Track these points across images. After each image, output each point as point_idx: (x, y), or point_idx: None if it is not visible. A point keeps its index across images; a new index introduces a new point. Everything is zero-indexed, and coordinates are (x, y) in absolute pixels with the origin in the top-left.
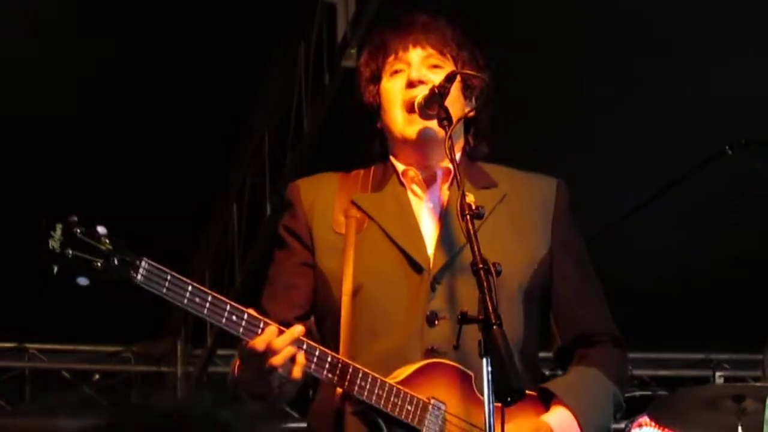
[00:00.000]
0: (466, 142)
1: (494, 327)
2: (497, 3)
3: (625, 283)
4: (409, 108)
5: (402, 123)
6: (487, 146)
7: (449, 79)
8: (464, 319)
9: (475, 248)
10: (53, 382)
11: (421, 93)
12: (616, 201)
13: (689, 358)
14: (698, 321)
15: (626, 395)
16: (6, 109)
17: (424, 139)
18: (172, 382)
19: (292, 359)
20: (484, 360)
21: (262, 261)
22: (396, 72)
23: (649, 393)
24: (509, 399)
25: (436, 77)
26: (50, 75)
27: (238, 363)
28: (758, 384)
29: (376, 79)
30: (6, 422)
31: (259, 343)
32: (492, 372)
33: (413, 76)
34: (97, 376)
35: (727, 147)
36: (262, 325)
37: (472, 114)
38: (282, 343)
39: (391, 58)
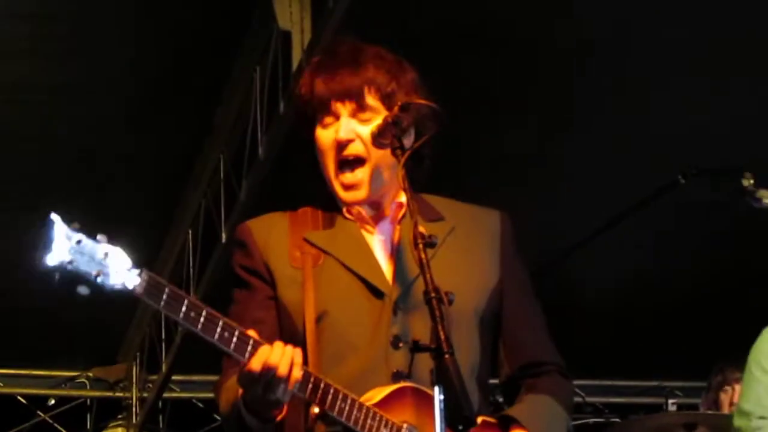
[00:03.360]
0: (409, 174)
1: (446, 355)
2: (444, 34)
3: (579, 311)
4: (341, 165)
5: (338, 187)
6: (427, 169)
7: (403, 108)
8: (416, 347)
9: (428, 277)
10: (8, 406)
11: (374, 124)
12: (568, 230)
13: (642, 386)
14: (651, 348)
15: (580, 422)
16: None
17: (370, 198)
18: (127, 408)
19: (291, 365)
20: (436, 388)
21: (217, 287)
22: (327, 124)
23: (602, 420)
24: (461, 427)
25: (366, 129)
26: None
27: (240, 392)
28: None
29: (311, 120)
30: None
31: (255, 363)
32: (444, 400)
33: (341, 137)
34: (52, 401)
35: (679, 176)
36: (252, 342)
37: (411, 144)
38: (277, 356)
39: (320, 107)
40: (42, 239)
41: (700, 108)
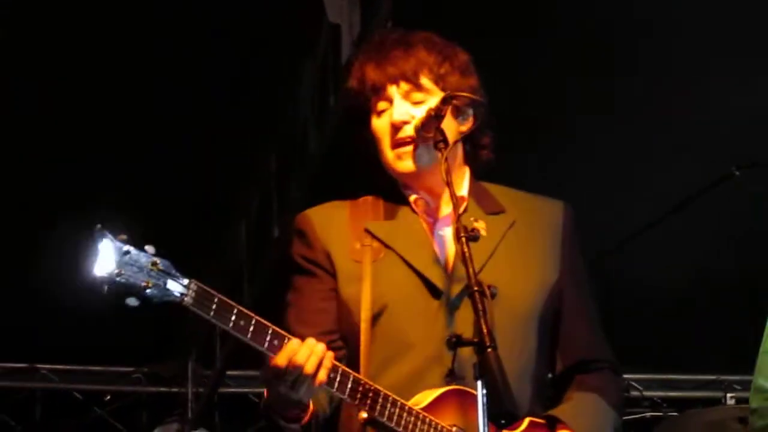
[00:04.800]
0: (470, 161)
1: (488, 350)
2: (494, 20)
3: (638, 304)
4: (396, 145)
5: (393, 161)
6: (488, 155)
7: (445, 101)
8: (459, 342)
9: (470, 271)
10: (64, 402)
11: (417, 117)
12: (623, 222)
13: (700, 379)
14: (710, 342)
15: (638, 416)
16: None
17: (419, 170)
18: (182, 403)
19: (319, 365)
20: (478, 383)
21: (271, 282)
22: (381, 111)
23: (660, 414)
24: (503, 422)
25: (420, 111)
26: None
27: (266, 390)
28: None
29: (365, 113)
30: None
31: (281, 359)
32: (487, 395)
33: (395, 119)
34: (108, 397)
35: (734, 168)
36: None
37: (468, 129)
38: (305, 354)
39: (374, 97)
40: (90, 251)
41: (757, 99)
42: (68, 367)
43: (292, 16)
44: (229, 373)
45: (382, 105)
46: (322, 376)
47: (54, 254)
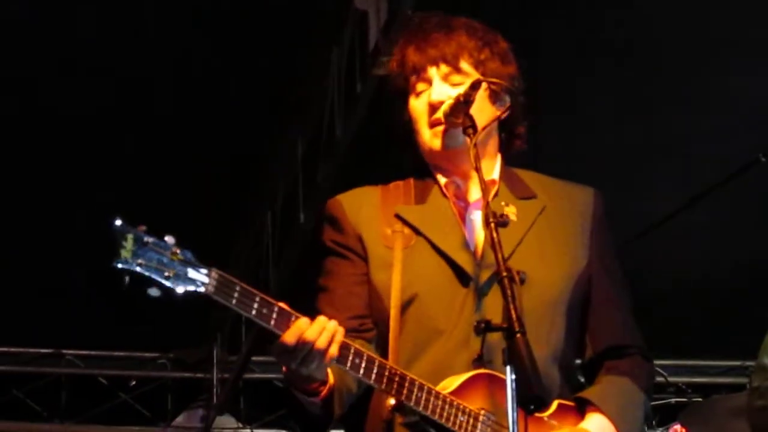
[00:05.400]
0: (503, 146)
1: (517, 335)
2: (525, 12)
3: (662, 291)
4: (433, 125)
5: (429, 139)
6: (521, 146)
7: (474, 86)
8: (488, 327)
9: (499, 257)
10: (89, 388)
11: (446, 102)
12: (648, 209)
13: (725, 365)
14: (735, 327)
15: (662, 402)
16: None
17: (451, 147)
18: (208, 389)
19: (330, 340)
20: (507, 368)
21: (297, 268)
22: (420, 92)
23: (684, 400)
24: (532, 407)
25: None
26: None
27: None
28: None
29: (404, 95)
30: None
31: (290, 336)
32: (515, 380)
33: (433, 99)
34: (133, 383)
35: (761, 155)
36: None
37: (503, 115)
38: (315, 331)
39: (413, 78)
40: (110, 243)
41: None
42: (93, 352)
43: (320, 2)
44: (254, 359)
45: (421, 86)
46: (334, 350)
47: (78, 242)
